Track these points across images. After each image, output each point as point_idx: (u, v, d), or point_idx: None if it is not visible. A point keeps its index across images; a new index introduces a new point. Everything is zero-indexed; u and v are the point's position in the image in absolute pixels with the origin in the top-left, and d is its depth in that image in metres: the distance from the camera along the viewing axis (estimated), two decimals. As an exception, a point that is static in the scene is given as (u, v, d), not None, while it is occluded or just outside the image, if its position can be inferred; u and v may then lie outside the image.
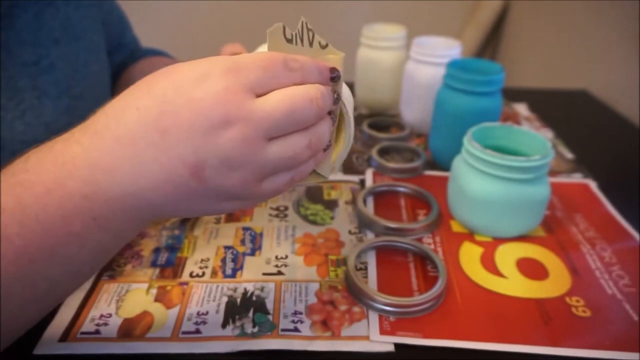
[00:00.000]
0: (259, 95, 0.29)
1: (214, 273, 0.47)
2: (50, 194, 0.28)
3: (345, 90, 0.36)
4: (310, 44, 0.32)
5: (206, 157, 0.27)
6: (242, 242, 0.51)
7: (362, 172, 0.65)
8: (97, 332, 0.40)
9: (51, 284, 0.30)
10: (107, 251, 0.32)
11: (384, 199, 0.59)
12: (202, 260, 0.48)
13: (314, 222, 0.55)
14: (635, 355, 0.39)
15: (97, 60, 0.52)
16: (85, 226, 0.28)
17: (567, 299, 0.45)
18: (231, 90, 0.27)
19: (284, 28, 0.31)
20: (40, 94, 0.43)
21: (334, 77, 0.32)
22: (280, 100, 0.28)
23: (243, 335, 0.40)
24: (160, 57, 0.68)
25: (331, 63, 0.32)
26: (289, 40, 0.31)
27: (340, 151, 0.36)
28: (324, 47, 0.33)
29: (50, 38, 0.45)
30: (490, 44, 1.73)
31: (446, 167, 0.61)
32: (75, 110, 0.47)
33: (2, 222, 0.27)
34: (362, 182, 0.63)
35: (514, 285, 0.46)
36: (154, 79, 0.29)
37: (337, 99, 0.33)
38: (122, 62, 0.65)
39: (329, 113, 0.32)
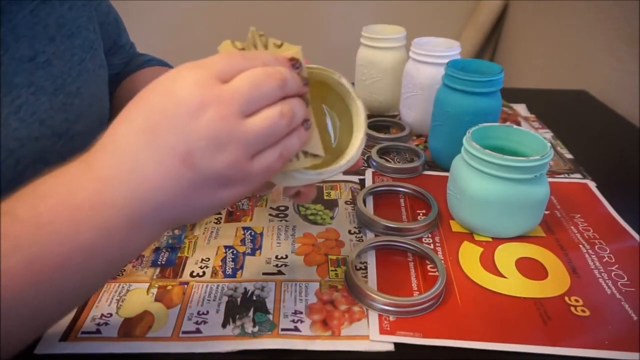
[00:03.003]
0: (225, 82, 0.32)
1: (214, 273, 0.47)
2: (62, 205, 0.30)
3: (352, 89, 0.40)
4: (265, 47, 0.35)
5: (192, 141, 0.30)
6: (243, 242, 0.51)
7: (362, 172, 0.65)
8: (98, 331, 0.40)
9: (60, 294, 0.31)
10: (113, 264, 0.33)
11: (383, 199, 0.59)
12: (202, 260, 0.49)
13: (314, 222, 0.55)
14: (634, 354, 0.39)
15: (94, 58, 0.51)
16: (93, 237, 0.30)
17: (566, 299, 0.45)
18: (201, 79, 0.31)
19: (232, 42, 0.34)
20: (37, 90, 0.43)
21: (294, 64, 0.35)
22: (243, 79, 0.32)
23: (243, 334, 0.40)
24: (162, 67, 0.68)
25: (289, 55, 0.35)
26: (241, 49, 0.35)
27: (360, 137, 0.40)
28: (279, 46, 0.35)
29: (45, 35, 0.45)
30: (489, 44, 1.73)
31: (446, 167, 0.61)
32: (70, 106, 0.47)
33: (17, 232, 0.29)
34: (361, 182, 0.63)
35: (513, 285, 0.46)
36: (140, 94, 0.32)
37: (306, 84, 0.35)
38: (122, 63, 0.65)
39: (301, 97, 0.35)
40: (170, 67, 0.69)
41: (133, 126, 0.31)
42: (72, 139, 0.47)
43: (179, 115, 0.30)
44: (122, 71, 0.65)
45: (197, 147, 0.30)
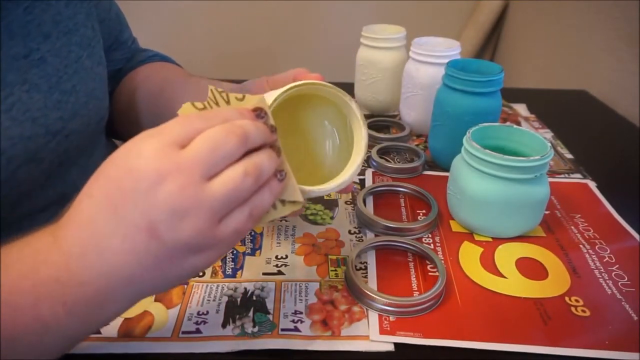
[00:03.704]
0: (184, 147, 0.30)
1: (214, 273, 0.47)
2: (25, 278, 0.29)
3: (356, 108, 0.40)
4: (228, 103, 0.34)
5: (154, 215, 0.29)
6: (243, 242, 0.51)
7: (362, 172, 0.65)
8: (98, 331, 0.40)
9: None
10: (72, 339, 0.33)
11: (383, 199, 0.59)
12: (202, 260, 0.48)
13: (314, 222, 0.55)
14: (634, 355, 0.39)
15: (91, 56, 0.51)
16: (54, 312, 0.29)
17: (567, 299, 0.45)
18: (156, 149, 0.29)
19: (192, 104, 0.33)
20: (30, 88, 0.43)
21: (258, 114, 0.34)
22: (201, 141, 0.30)
23: (243, 335, 0.40)
24: (164, 63, 0.67)
25: (252, 105, 0.34)
26: (202, 109, 0.33)
27: (356, 163, 0.41)
28: (241, 99, 0.34)
29: (40, 32, 0.45)
30: (489, 44, 1.73)
31: (446, 167, 0.61)
32: (66, 104, 0.46)
33: None
34: (361, 182, 0.63)
35: (513, 285, 0.46)
36: (102, 167, 0.31)
37: (274, 130, 0.34)
38: (123, 59, 0.65)
39: (272, 147, 0.34)
40: (174, 62, 0.69)
41: (95, 201, 0.30)
42: (67, 138, 0.47)
43: (137, 190, 0.29)
44: (124, 67, 0.65)
45: (160, 220, 0.29)
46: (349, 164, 0.41)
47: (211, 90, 0.34)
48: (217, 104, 0.34)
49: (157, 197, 0.29)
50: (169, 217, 0.29)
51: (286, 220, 0.55)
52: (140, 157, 0.29)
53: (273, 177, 0.33)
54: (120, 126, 0.65)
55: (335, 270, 0.48)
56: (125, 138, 0.68)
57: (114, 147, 0.68)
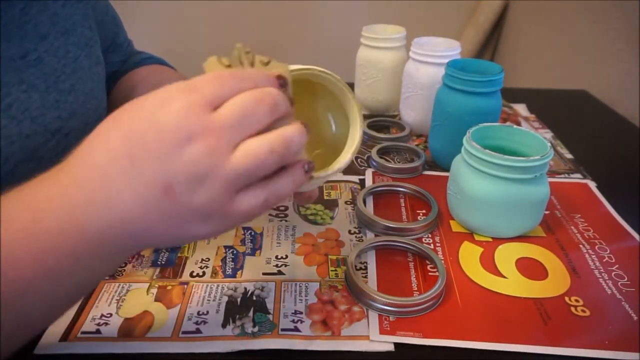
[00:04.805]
0: (215, 108, 0.30)
1: (214, 273, 0.47)
2: (27, 230, 0.28)
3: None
4: (252, 65, 0.33)
5: (174, 174, 0.28)
6: (243, 242, 0.51)
7: (362, 172, 0.65)
8: (98, 331, 0.40)
9: (22, 319, 0.30)
10: (81, 288, 0.33)
11: (383, 199, 0.59)
12: (202, 260, 0.48)
13: (314, 222, 0.55)
14: (634, 354, 0.39)
15: (89, 56, 0.51)
16: (60, 263, 0.29)
17: (567, 299, 0.45)
18: (190, 107, 0.29)
19: (219, 59, 0.32)
20: (28, 88, 0.43)
21: (281, 83, 0.33)
22: (233, 106, 0.30)
23: (243, 335, 0.40)
24: (160, 66, 0.68)
25: (276, 72, 0.33)
26: (228, 66, 0.33)
27: (351, 151, 0.40)
28: (266, 63, 0.33)
29: (37, 33, 0.45)
30: (489, 44, 1.73)
31: (446, 167, 0.61)
32: (64, 104, 0.46)
33: None
34: (361, 182, 0.63)
35: (513, 285, 0.46)
36: (119, 114, 0.30)
37: (292, 104, 0.33)
38: (119, 61, 0.65)
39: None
40: (169, 65, 0.69)
41: (111, 151, 0.29)
42: (66, 137, 0.47)
43: (163, 144, 0.28)
44: (119, 69, 0.65)
45: (178, 180, 0.28)
46: (346, 147, 0.42)
47: (238, 48, 0.33)
48: (241, 63, 0.33)
49: (181, 157, 0.28)
50: (188, 179, 0.28)
51: (286, 220, 0.55)
52: (170, 112, 0.28)
53: (300, 165, 0.33)
54: None
55: (335, 270, 0.48)
56: None
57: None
